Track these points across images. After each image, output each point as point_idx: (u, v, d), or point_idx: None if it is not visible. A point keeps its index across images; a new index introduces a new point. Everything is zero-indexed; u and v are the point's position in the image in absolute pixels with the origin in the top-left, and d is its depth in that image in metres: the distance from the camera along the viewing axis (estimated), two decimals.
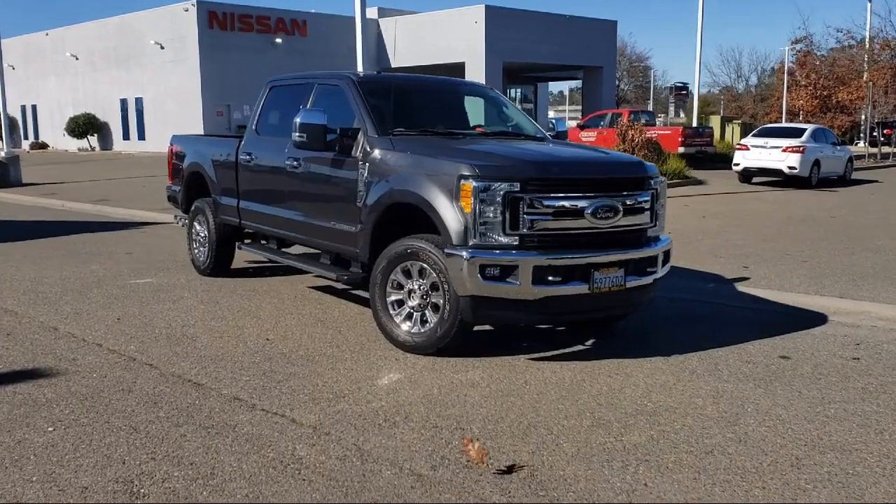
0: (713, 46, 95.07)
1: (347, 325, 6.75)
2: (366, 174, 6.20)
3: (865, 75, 42.43)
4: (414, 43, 44.34)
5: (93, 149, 47.89)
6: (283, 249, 8.17)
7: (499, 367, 5.57)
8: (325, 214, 6.74)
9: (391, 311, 5.94)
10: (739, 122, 41.41)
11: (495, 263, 5.31)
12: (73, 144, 48.37)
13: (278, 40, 43.28)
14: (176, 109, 41.83)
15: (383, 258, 5.91)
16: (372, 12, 47.13)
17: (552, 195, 5.41)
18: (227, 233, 8.69)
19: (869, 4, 41.84)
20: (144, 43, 43.45)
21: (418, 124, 6.83)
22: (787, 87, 47.85)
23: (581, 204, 5.48)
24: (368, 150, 6.26)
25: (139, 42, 43.87)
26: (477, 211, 5.31)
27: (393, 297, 5.94)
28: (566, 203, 5.44)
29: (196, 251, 9.10)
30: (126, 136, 46.25)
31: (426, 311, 5.78)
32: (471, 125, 7.34)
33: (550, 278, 5.39)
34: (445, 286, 5.54)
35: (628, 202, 5.71)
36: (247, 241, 8.74)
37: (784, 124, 27.47)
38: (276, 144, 7.53)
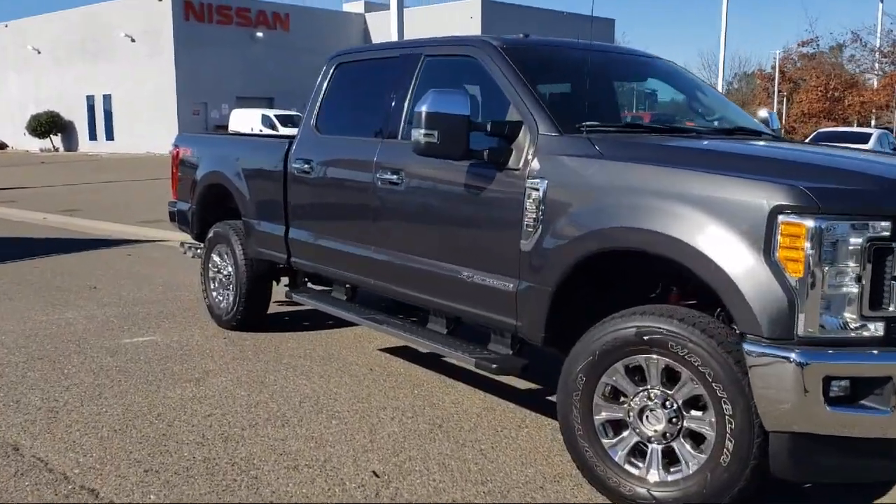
0: (694, 49, 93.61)
1: (486, 435, 4.25)
2: (540, 198, 3.70)
3: (875, 80, 40.69)
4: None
5: (56, 149, 44.80)
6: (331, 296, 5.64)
7: None
8: (452, 258, 4.25)
9: (603, 440, 3.45)
10: None
11: (851, 374, 2.86)
12: (34, 145, 45.18)
13: (259, 34, 40.66)
14: (148, 107, 39.07)
15: (590, 347, 3.42)
16: (358, 6, 44.64)
17: None
18: (262, 271, 6.15)
19: (881, 5, 40.01)
20: (114, 36, 40.50)
21: (609, 117, 4.38)
22: (791, 91, 46.07)
23: None
24: (543, 158, 3.77)
25: (108, 35, 40.89)
26: (817, 273, 2.84)
27: (605, 415, 3.46)
28: None
29: (215, 295, 6.54)
30: (93, 137, 43.30)
31: (677, 445, 3.30)
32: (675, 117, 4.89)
33: None
34: (727, 406, 3.07)
35: None
36: (285, 281, 6.23)
37: (845, 129, 25.33)
38: (353, 148, 5.04)
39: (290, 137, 5.82)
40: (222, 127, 37.84)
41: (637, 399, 3.36)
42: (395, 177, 4.56)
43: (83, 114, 43.65)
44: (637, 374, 3.36)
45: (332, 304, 5.31)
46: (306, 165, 5.35)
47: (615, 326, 3.34)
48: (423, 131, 3.86)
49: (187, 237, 7.35)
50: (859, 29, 47.66)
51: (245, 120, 34.86)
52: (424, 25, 40.83)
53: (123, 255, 10.27)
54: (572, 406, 3.49)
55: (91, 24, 41.97)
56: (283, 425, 4.37)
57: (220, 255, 6.49)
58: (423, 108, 3.86)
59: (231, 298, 6.32)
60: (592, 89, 4.08)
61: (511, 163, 3.88)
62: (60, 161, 34.96)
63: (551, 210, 3.65)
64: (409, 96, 4.68)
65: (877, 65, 40.64)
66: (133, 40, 39.82)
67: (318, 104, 5.46)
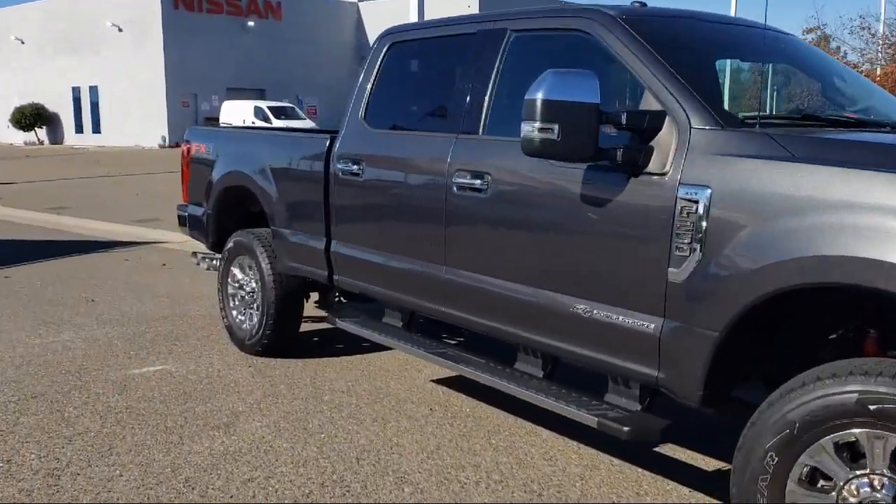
0: None
1: None
2: (701, 213, 2.82)
3: (878, 69, 39.98)
4: None
5: (41, 142, 43.59)
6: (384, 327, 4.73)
7: None
8: (560, 286, 3.37)
9: None
10: None
11: None
12: (18, 137, 43.93)
13: (250, 24, 39.58)
14: (136, 99, 37.96)
15: (786, 416, 2.55)
16: None
17: None
18: (293, 287, 5.27)
19: None
20: (100, 25, 39.27)
21: (758, 105, 3.52)
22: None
23: None
24: (700, 159, 2.89)
25: (94, 24, 39.65)
26: None
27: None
28: None
29: (235, 314, 5.65)
30: (79, 129, 42.08)
31: None
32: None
33: None
34: None
35: None
36: (315, 299, 5.39)
37: None
38: (418, 146, 4.15)
39: (331, 132, 4.93)
40: (213, 119, 36.79)
41: (851, 487, 2.49)
42: (477, 181, 3.67)
43: (69, 106, 42.40)
44: (848, 452, 2.49)
45: (390, 335, 4.40)
46: (355, 166, 4.45)
47: (824, 390, 2.47)
48: (537, 125, 2.97)
49: (193, 241, 6.48)
50: (865, 15, 46.77)
51: (237, 112, 33.85)
52: (419, 15, 39.90)
53: (120, 260, 9.34)
54: (757, 493, 2.61)
55: (76, 14, 40.71)
56: (345, 494, 3.48)
57: (241, 269, 5.59)
58: (539, 95, 2.96)
59: (256, 319, 5.43)
60: (737, 71, 3.21)
61: (652, 166, 3.00)
62: (46, 154, 33.82)
63: (718, 229, 2.77)
64: (491, 82, 3.81)
65: (879, 54, 39.96)
66: (120, 30, 38.63)
67: (368, 92, 4.56)
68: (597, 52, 3.37)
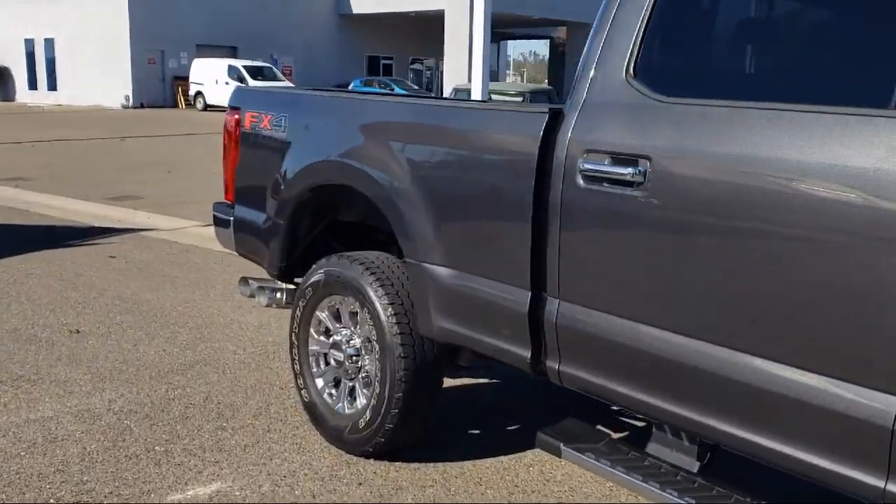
0: None
1: None
2: None
3: None
4: None
5: None
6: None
7: None
8: None
9: None
10: None
11: None
12: None
13: None
14: (97, 54, 35.13)
15: None
16: None
17: None
18: (434, 356, 3.17)
19: None
20: None
21: None
22: None
23: None
24: None
25: None
26: None
27: None
28: None
29: (322, 386, 3.58)
30: (33, 86, 39.02)
31: None
32: None
33: None
34: None
35: None
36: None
37: None
38: (806, 133, 2.02)
39: (543, 104, 2.79)
40: (182, 79, 34.04)
41: None
42: None
43: (21, 60, 39.18)
44: None
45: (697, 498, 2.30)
46: (626, 169, 2.34)
47: None
48: None
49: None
50: None
51: (209, 71, 31.21)
52: None
53: (103, 257, 7.11)
54: None
55: None
56: None
57: (336, 317, 3.49)
58: None
59: (365, 401, 3.34)
60: None
61: None
62: None
63: None
64: None
65: None
66: None
67: (639, 29, 2.42)
68: None
